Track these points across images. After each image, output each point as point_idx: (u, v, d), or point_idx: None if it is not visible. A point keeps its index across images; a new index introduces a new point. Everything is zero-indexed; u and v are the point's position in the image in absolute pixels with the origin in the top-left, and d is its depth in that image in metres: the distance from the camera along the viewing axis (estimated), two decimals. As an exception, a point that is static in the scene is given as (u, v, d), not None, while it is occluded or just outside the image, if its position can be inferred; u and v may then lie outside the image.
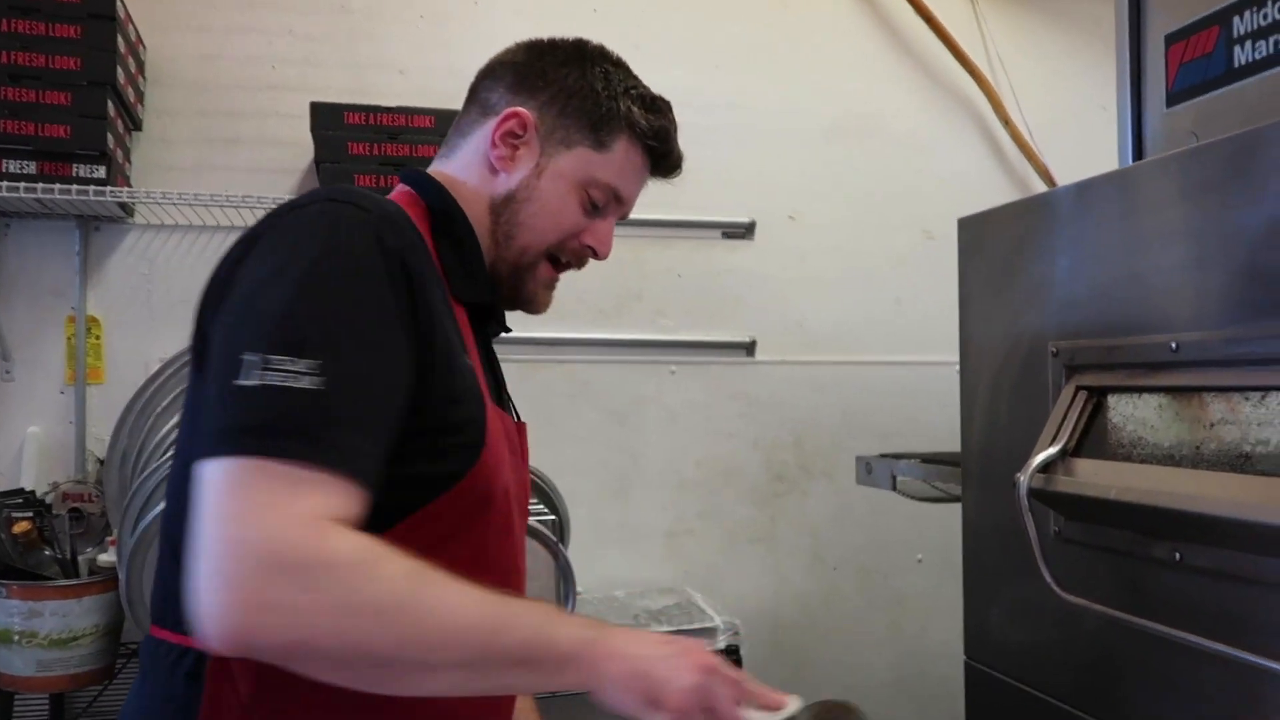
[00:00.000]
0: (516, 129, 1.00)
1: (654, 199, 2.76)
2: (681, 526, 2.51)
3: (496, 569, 0.92)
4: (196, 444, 0.75)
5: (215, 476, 0.71)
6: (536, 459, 2.25)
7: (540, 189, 1.00)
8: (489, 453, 0.89)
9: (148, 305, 2.23)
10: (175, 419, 2.10)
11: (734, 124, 2.55)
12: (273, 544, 0.69)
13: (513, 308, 1.07)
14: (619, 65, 1.06)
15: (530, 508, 2.14)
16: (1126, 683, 1.09)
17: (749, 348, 2.56)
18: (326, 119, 2.13)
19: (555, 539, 2.01)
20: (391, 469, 0.80)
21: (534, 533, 1.99)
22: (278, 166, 2.28)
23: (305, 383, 0.73)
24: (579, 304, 2.46)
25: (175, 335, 2.19)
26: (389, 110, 2.16)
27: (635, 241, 2.49)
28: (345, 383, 0.75)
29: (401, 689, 0.75)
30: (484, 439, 0.88)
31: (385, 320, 0.80)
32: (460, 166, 1.03)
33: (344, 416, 0.75)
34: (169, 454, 1.96)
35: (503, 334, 1.12)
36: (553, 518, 2.10)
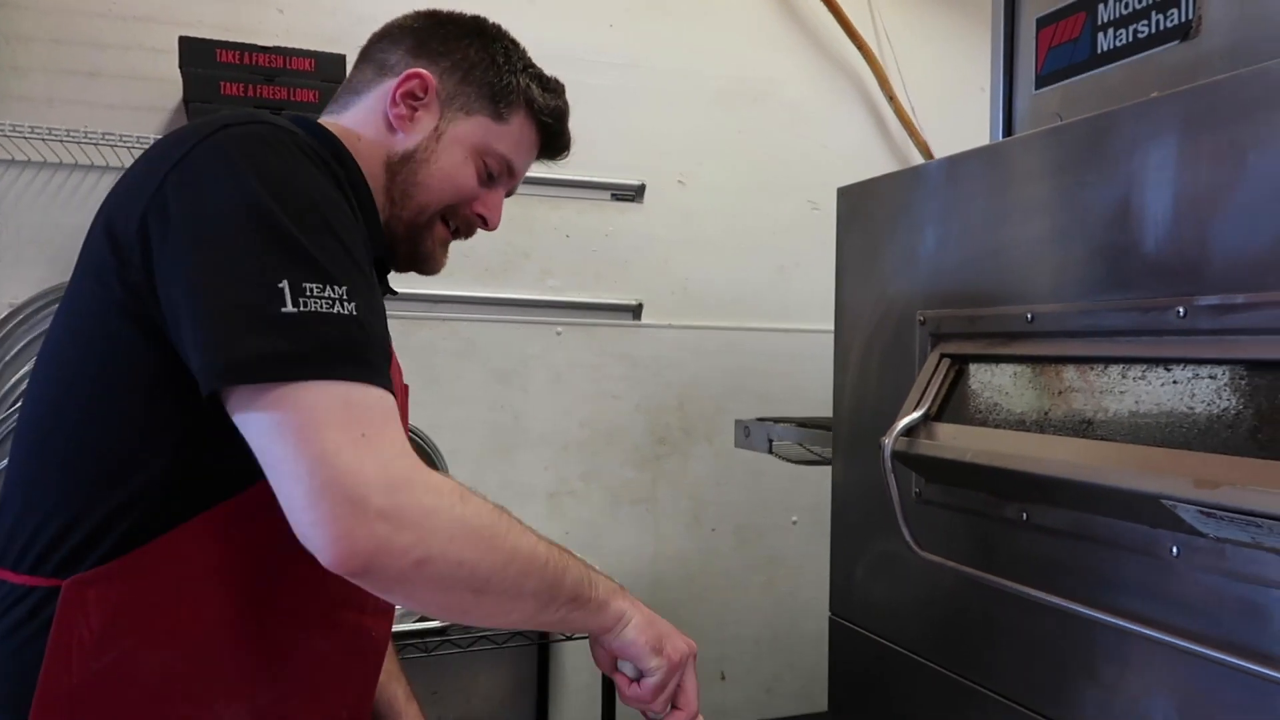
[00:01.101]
0: (418, 90, 1.01)
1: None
2: (564, 487, 2.51)
3: None
4: (215, 373, 0.73)
5: (296, 400, 0.72)
6: (418, 418, 2.24)
7: (438, 151, 1.02)
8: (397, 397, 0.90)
9: (-5, 246, 2.08)
10: (27, 367, 1.98)
11: (626, 85, 2.54)
12: (390, 467, 0.73)
13: (410, 267, 1.08)
14: (516, 45, 1.09)
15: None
16: (977, 635, 1.15)
17: (636, 310, 2.57)
18: (197, 55, 2.01)
19: (433, 498, 1.99)
20: None
21: (412, 491, 1.97)
22: (142, 104, 2.14)
23: (341, 309, 0.75)
24: (465, 261, 2.42)
25: (26, 279, 2.06)
26: (265, 50, 2.06)
27: (524, 200, 2.46)
28: (368, 309, 0.78)
29: (483, 616, 0.82)
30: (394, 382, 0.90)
31: (361, 239, 0.83)
32: (355, 121, 1.03)
33: (375, 343, 0.78)
34: (18, 404, 1.85)
35: (389, 294, 1.11)
36: (432, 477, 2.07)
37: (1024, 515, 1.05)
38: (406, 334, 2.36)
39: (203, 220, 0.77)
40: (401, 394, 1.07)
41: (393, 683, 1.19)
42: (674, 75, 2.60)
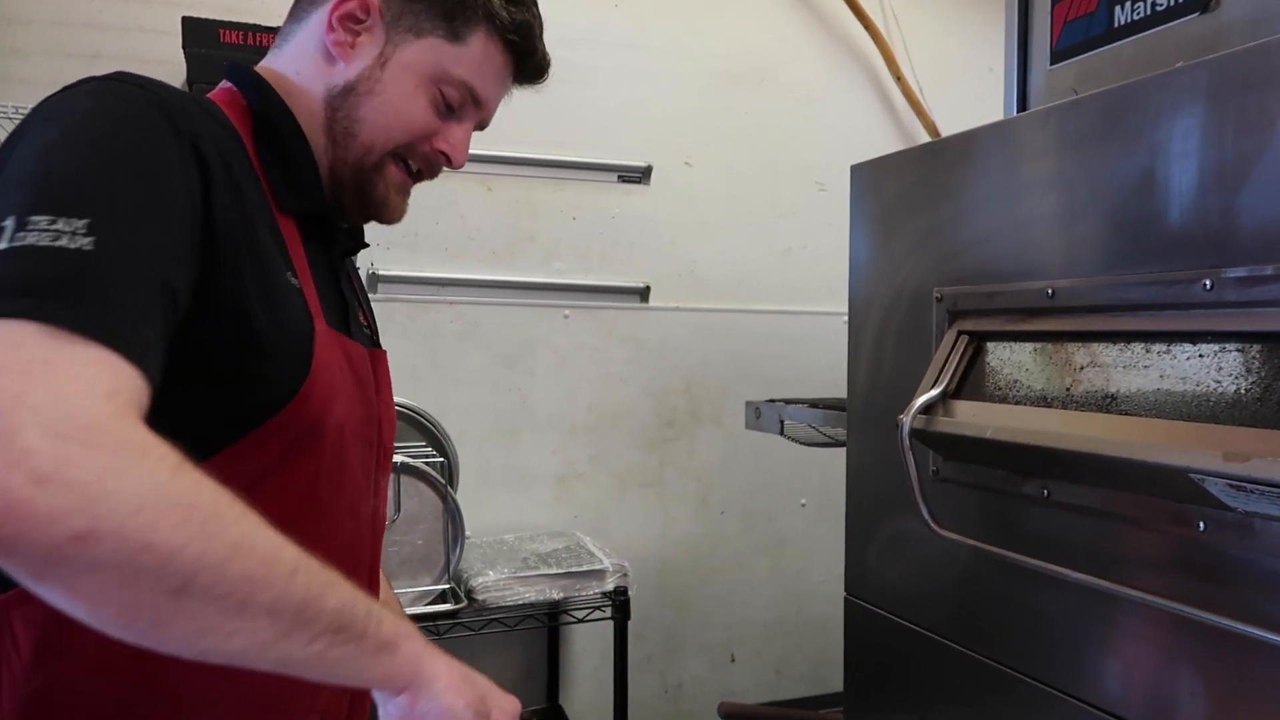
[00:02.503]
0: (358, 11, 0.88)
1: (549, 139, 2.72)
2: (571, 471, 2.51)
3: (327, 511, 0.85)
4: None
5: None
6: (424, 400, 2.24)
7: (384, 80, 0.89)
8: (315, 383, 0.80)
9: (-1, 231, 2.07)
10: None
11: (632, 66, 2.52)
12: (62, 407, 0.55)
13: (364, 218, 0.96)
14: None
15: (417, 450, 2.11)
16: (995, 613, 1.14)
17: (643, 293, 2.56)
18: (199, 36, 1.99)
19: (444, 481, 1.98)
20: (197, 399, 0.71)
21: (422, 475, 1.96)
22: (146, 86, 2.12)
23: (66, 241, 0.61)
24: (470, 244, 2.41)
25: (31, 264, 2.04)
26: (269, 29, 2.03)
27: (529, 182, 2.44)
28: (119, 248, 0.64)
29: (186, 633, 0.59)
30: (308, 367, 0.80)
31: (168, 193, 0.70)
32: (292, 58, 0.91)
33: (118, 284, 0.63)
34: None
35: (359, 249, 1.03)
36: (441, 460, 2.06)
37: (1045, 492, 1.04)
38: (412, 317, 2.35)
39: None
40: (374, 360, 0.96)
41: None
42: (680, 56, 2.58)
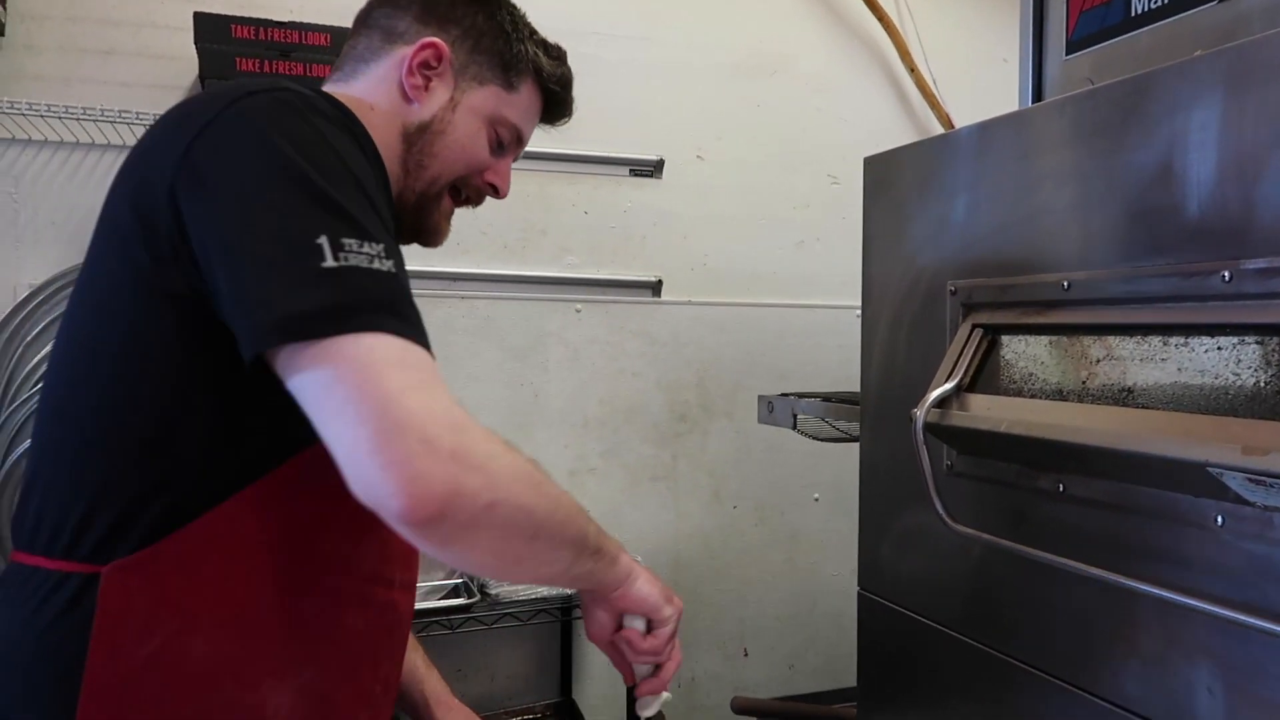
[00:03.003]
0: (432, 59, 1.00)
1: (561, 133, 2.71)
2: (583, 465, 2.51)
3: None
4: (261, 333, 0.71)
5: (352, 350, 0.70)
6: (436, 395, 2.23)
7: (454, 121, 1.01)
8: None
9: (14, 227, 2.07)
10: (47, 348, 1.98)
11: (643, 59, 2.51)
12: (452, 410, 0.71)
13: (412, 240, 1.07)
14: (519, 11, 1.10)
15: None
16: (1010, 608, 1.13)
17: (655, 287, 2.55)
18: (211, 31, 2.00)
19: (455, 476, 1.98)
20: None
21: (433, 469, 1.97)
22: (157, 82, 2.13)
23: (379, 265, 0.74)
24: (482, 238, 2.41)
25: (44, 260, 2.06)
26: (281, 25, 2.04)
27: (541, 176, 2.44)
28: (402, 270, 0.78)
29: (529, 567, 0.81)
30: None
31: (388, 211, 0.84)
32: (367, 90, 1.01)
33: (411, 302, 0.77)
34: (39, 385, 1.85)
35: None
36: (453, 455, 2.07)
37: (1060, 486, 1.03)
38: (425, 312, 2.32)
39: (238, 183, 0.75)
40: None
41: (412, 653, 1.19)
42: (691, 49, 2.57)
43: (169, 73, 2.14)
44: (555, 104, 1.11)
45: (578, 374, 2.49)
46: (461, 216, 2.49)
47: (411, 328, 0.74)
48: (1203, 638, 0.89)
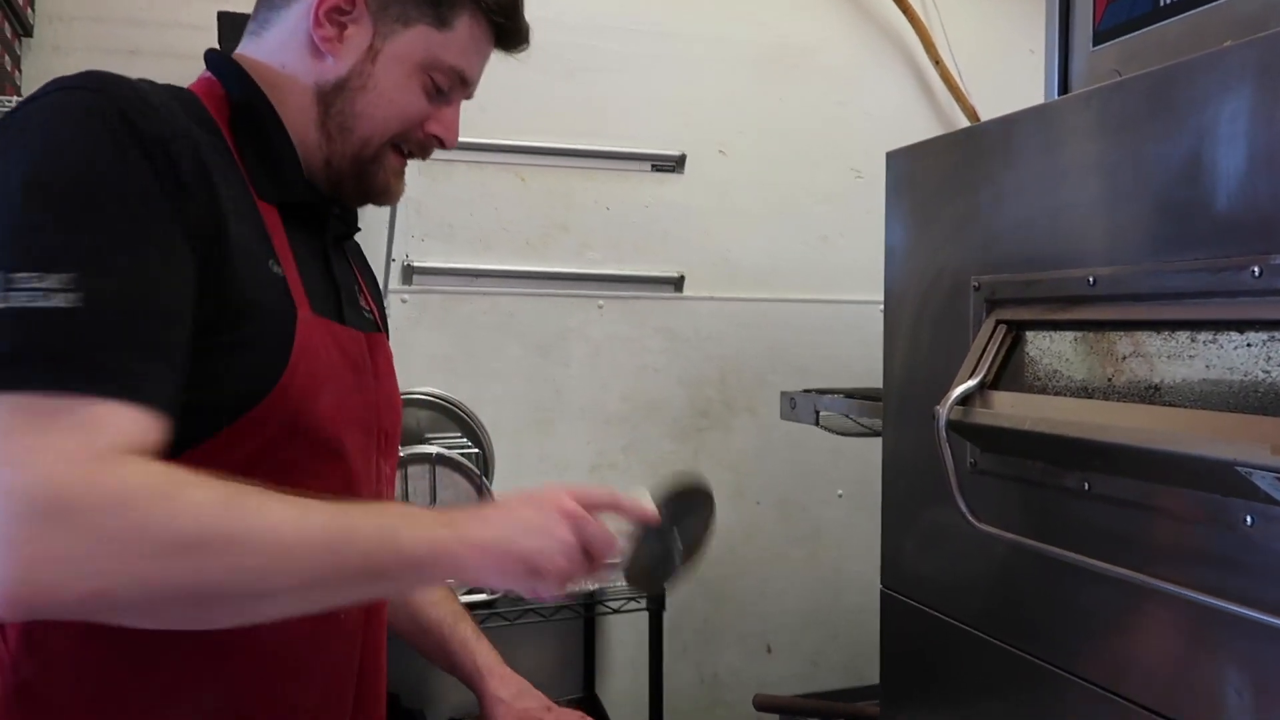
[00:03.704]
0: (344, 4, 0.88)
1: (582, 129, 2.70)
2: (605, 460, 2.51)
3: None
4: None
5: None
6: (459, 391, 2.25)
7: (376, 74, 0.89)
8: (295, 373, 0.80)
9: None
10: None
11: (665, 54, 2.50)
12: (45, 488, 0.60)
13: (363, 201, 0.97)
14: None
15: (452, 441, 2.12)
16: (1034, 607, 1.12)
17: (677, 283, 2.54)
18: (236, 30, 2.00)
19: (479, 472, 1.99)
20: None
21: (457, 465, 1.97)
22: (183, 80, 2.14)
23: (57, 300, 0.63)
24: (504, 235, 2.41)
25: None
26: (303, 25, 2.05)
27: (562, 172, 2.44)
28: (108, 296, 0.66)
29: (237, 620, 0.69)
30: (286, 359, 0.79)
31: (153, 216, 0.71)
32: (274, 48, 0.90)
33: (110, 335, 0.66)
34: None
35: (353, 233, 1.03)
36: (476, 451, 2.07)
37: (1086, 485, 1.02)
38: (446, 308, 2.36)
39: None
40: (370, 344, 0.96)
41: (461, 623, 1.16)
42: (711, 42, 2.55)
43: (193, 72, 2.13)
44: (504, 34, 0.95)
45: (599, 370, 2.49)
46: (484, 214, 2.50)
47: (64, 369, 0.63)
48: (1231, 639, 0.88)
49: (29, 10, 2.03)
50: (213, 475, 0.67)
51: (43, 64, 2.09)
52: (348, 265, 1.01)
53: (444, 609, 1.17)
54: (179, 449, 0.71)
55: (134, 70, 2.24)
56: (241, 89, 0.88)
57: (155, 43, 2.15)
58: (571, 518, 0.79)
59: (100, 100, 0.73)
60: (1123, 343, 0.99)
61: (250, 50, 0.92)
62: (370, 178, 0.93)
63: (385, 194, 0.95)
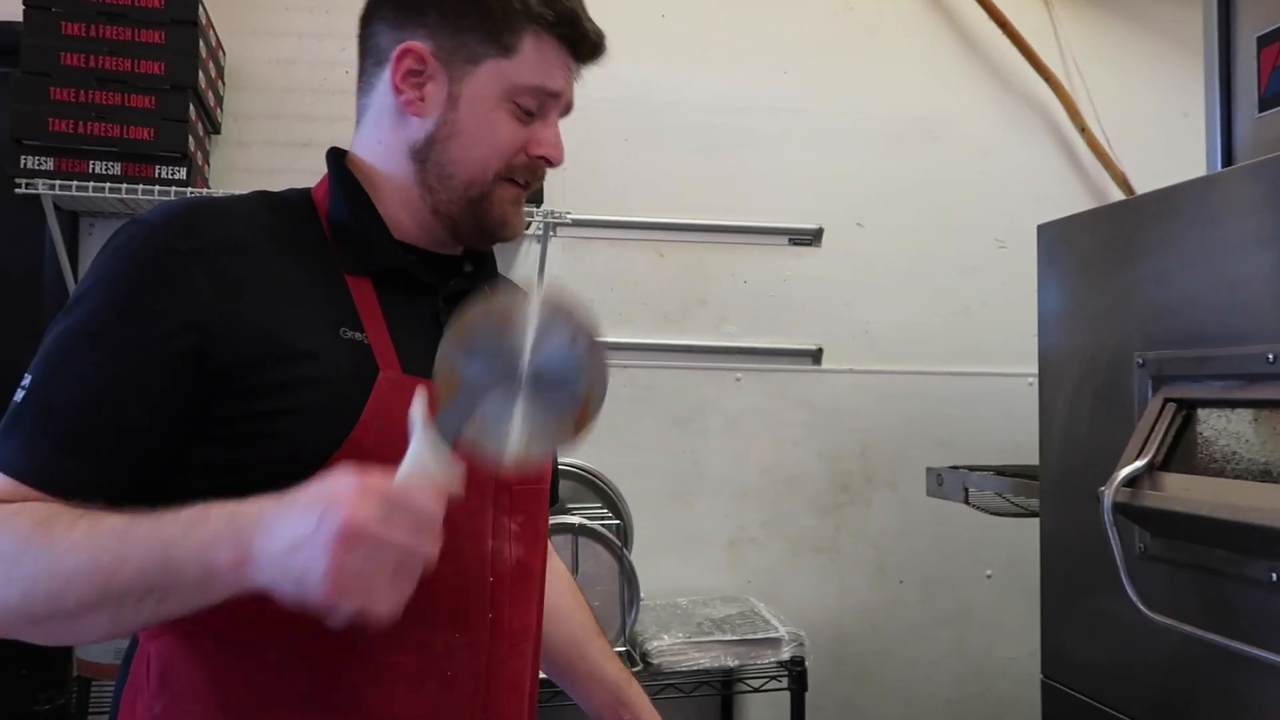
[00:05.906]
0: (414, 65, 0.91)
1: (720, 205, 2.74)
2: (744, 535, 2.49)
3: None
4: None
5: None
6: (599, 463, 2.29)
7: (461, 119, 0.91)
8: (368, 431, 0.82)
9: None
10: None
11: (801, 129, 2.53)
12: None
13: (486, 241, 0.98)
14: None
15: (593, 511, 2.15)
16: (1210, 703, 1.04)
17: (815, 355, 2.53)
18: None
19: (619, 543, 2.01)
20: (225, 466, 0.81)
21: (598, 536, 2.00)
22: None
23: (17, 395, 0.80)
24: (642, 308, 2.46)
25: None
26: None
27: (700, 247, 2.48)
28: (42, 394, 0.80)
29: (52, 639, 0.77)
30: (354, 418, 0.82)
31: (122, 327, 0.82)
32: (371, 129, 0.95)
33: (28, 425, 0.79)
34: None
35: (472, 288, 0.99)
36: (617, 522, 2.10)
37: (1274, 576, 0.95)
38: (588, 381, 2.41)
39: None
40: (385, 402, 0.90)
41: (606, 663, 1.17)
42: (849, 117, 2.57)
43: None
44: (571, 44, 0.94)
45: (737, 443, 2.49)
46: (623, 288, 2.57)
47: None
48: None
49: (218, 110, 2.24)
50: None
51: (229, 157, 2.29)
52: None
53: (617, 665, 1.20)
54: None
55: (305, 161, 2.42)
56: (336, 177, 0.95)
57: (326, 135, 2.30)
58: (349, 539, 0.66)
59: (146, 230, 0.86)
60: (1310, 424, 0.93)
61: (355, 140, 0.98)
62: (485, 215, 0.94)
63: (504, 227, 0.96)
